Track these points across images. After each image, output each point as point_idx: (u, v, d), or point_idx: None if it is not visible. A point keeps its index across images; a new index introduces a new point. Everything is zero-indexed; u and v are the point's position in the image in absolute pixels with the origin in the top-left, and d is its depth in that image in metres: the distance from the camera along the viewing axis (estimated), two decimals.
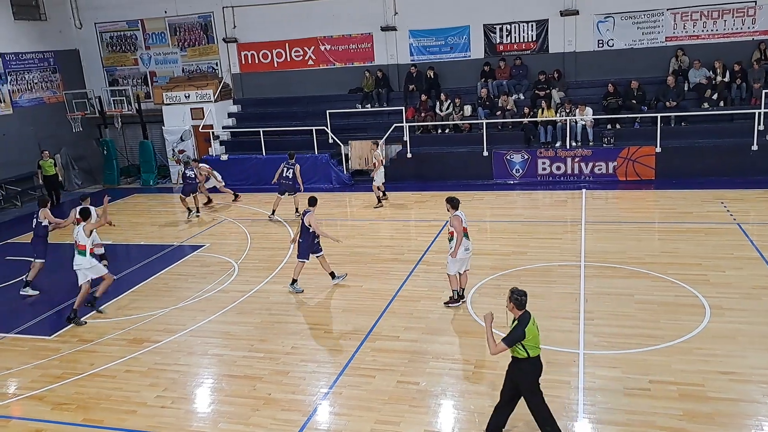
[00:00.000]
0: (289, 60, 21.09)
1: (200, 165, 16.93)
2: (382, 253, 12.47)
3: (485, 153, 17.61)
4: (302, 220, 10.69)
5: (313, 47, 20.76)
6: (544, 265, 11.13)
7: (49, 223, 11.79)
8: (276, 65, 21.23)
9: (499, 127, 18.24)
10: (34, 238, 11.86)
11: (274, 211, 15.40)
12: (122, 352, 8.98)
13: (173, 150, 20.84)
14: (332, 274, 10.89)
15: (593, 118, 17.22)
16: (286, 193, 15.35)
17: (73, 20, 22.30)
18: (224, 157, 19.64)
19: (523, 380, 6.07)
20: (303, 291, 10.73)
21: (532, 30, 18.97)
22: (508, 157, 17.56)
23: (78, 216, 10.50)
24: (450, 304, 9.63)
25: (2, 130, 19.43)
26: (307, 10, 20.31)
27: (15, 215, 18.12)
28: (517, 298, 6.06)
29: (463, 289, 9.72)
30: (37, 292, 11.67)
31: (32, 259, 11.90)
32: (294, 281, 10.79)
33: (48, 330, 10.00)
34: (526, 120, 17.81)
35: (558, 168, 17.24)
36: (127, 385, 8.07)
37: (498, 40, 19.31)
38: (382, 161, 16.12)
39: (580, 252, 11.66)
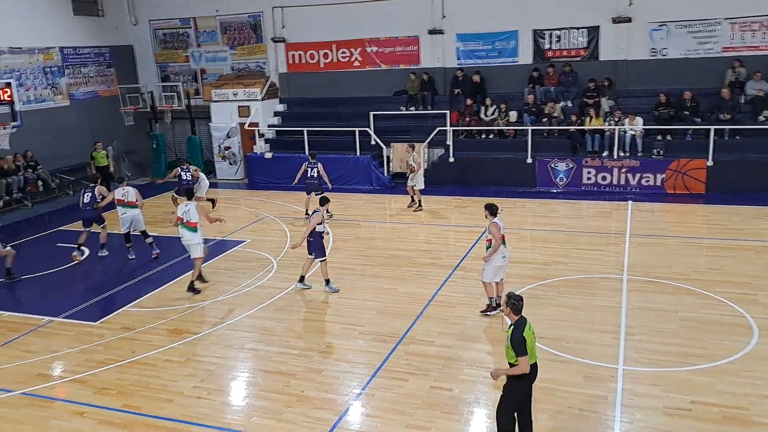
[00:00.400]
0: (335, 61, 21.25)
1: (192, 168, 16.78)
2: (420, 257, 12.44)
3: (529, 160, 17.40)
4: (310, 219, 10.72)
5: (359, 49, 20.88)
6: (585, 277, 10.93)
7: (103, 197, 13.14)
8: (322, 66, 21.42)
9: (544, 134, 17.99)
10: (91, 210, 13.10)
11: (307, 212, 15.48)
12: (162, 342, 9.19)
13: (219, 146, 21.24)
14: (327, 281, 10.89)
15: (643, 129, 16.81)
16: (313, 193, 15.29)
17: (128, 17, 22.95)
18: (268, 155, 19.91)
19: (512, 381, 6.01)
20: (339, 290, 10.79)
21: (582, 36, 18.66)
22: (553, 165, 17.31)
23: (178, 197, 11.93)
24: (487, 313, 9.53)
25: (59, 122, 20.13)
26: (355, 11, 20.44)
27: (67, 203, 18.73)
28: (514, 303, 6.01)
29: (500, 297, 9.62)
30: (107, 253, 13.38)
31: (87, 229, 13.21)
32: (327, 281, 10.87)
33: (93, 316, 10.30)
34: (573, 128, 17.52)
35: (604, 178, 16.90)
36: (166, 374, 8.26)
37: (547, 46, 19.06)
38: (420, 164, 16.04)
39: (623, 265, 11.40)
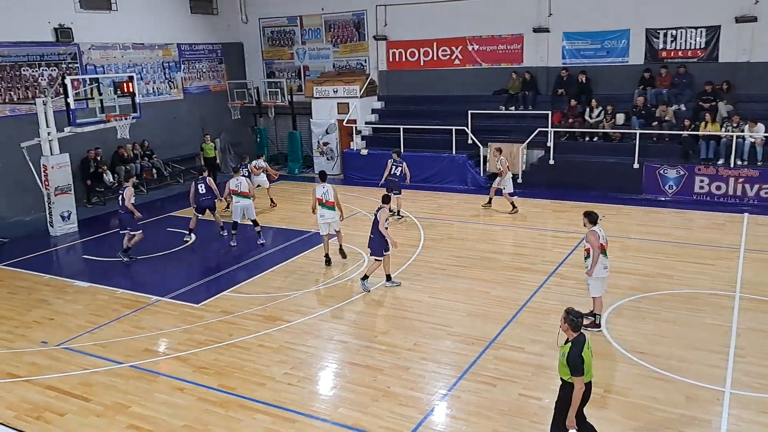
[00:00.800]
0: (435, 59, 21.20)
1: (253, 163, 17.13)
2: (514, 261, 12.18)
3: (636, 165, 16.58)
4: (375, 216, 10.74)
5: (460, 47, 20.71)
6: (692, 292, 10.27)
7: (209, 188, 14.07)
8: (422, 64, 21.44)
9: (654, 138, 17.08)
10: (205, 198, 14.11)
11: (399, 211, 15.46)
12: (257, 327, 9.55)
13: (318, 142, 21.79)
14: (365, 277, 10.88)
15: (765, 136, 15.58)
16: (394, 192, 15.07)
17: (240, 15, 24.01)
18: (364, 152, 20.19)
19: (567, 400, 5.72)
20: (400, 284, 10.90)
21: (700, 37, 17.54)
22: (662, 172, 16.40)
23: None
24: (589, 328, 8.85)
25: (173, 114, 21.44)
26: (458, 9, 20.29)
27: (177, 191, 19.89)
28: (573, 320, 5.71)
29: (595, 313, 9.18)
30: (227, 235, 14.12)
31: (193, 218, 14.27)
32: (388, 277, 10.93)
33: (196, 298, 10.87)
34: (685, 133, 16.51)
35: (718, 188, 15.81)
36: (260, 358, 8.57)
37: (661, 46, 18.07)
38: (507, 168, 15.68)
39: (735, 281, 10.61)
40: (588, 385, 5.75)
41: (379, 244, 10.71)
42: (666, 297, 10.11)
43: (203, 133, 21.05)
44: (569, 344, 5.73)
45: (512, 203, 15.65)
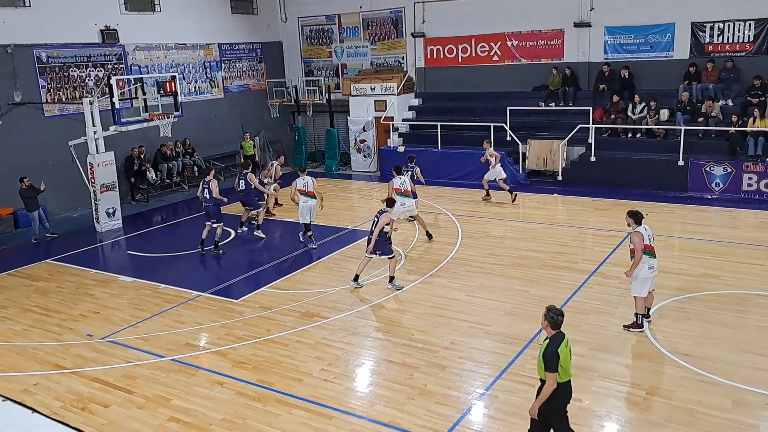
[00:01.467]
0: (473, 55, 21.02)
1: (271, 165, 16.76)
2: (553, 259, 11.98)
3: (681, 162, 16.14)
4: (377, 218, 10.72)
5: (499, 43, 20.49)
6: (740, 293, 9.94)
7: (250, 183, 14.19)
8: (460, 60, 21.28)
9: (699, 135, 16.59)
10: (247, 194, 14.37)
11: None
12: (295, 323, 9.64)
13: (355, 139, 21.86)
14: (391, 279, 10.85)
15: None
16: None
17: (279, 14, 24.25)
18: (401, 149, 20.14)
19: (548, 406, 5.60)
20: (402, 288, 10.81)
21: (749, 30, 16.94)
22: (708, 169, 15.92)
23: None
24: (630, 329, 8.78)
25: (214, 113, 21.79)
26: (497, 5, 20.07)
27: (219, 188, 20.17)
28: (553, 317, 5.64)
29: (648, 309, 8.98)
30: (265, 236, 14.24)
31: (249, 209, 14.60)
32: (391, 278, 10.88)
33: (236, 294, 11.05)
34: (733, 129, 15.99)
35: (767, 185, 15.27)
36: (297, 354, 8.65)
37: (707, 40, 17.53)
38: (498, 158, 16.18)
39: None
40: (565, 387, 5.64)
41: (383, 244, 10.77)
42: (712, 298, 9.80)
43: (243, 131, 21.34)
44: (548, 341, 5.66)
45: (510, 190, 15.93)
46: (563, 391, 5.68)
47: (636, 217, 8.62)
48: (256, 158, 21.24)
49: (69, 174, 16.39)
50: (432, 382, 7.74)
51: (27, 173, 15.14)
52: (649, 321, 8.93)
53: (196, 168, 20.46)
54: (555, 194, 16.93)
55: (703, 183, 15.99)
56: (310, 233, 13.35)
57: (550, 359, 5.52)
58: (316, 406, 7.34)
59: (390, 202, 11.12)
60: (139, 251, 14.05)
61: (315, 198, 13.21)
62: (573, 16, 19.03)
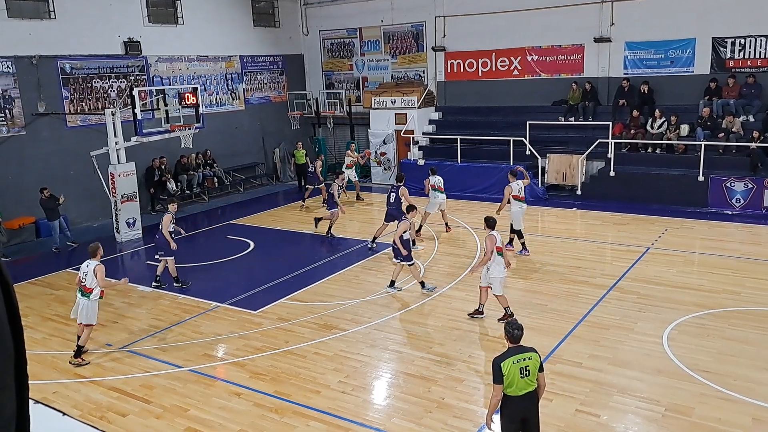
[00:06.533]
0: (494, 70, 21.08)
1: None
2: (572, 274, 11.91)
3: (701, 178, 16.00)
4: (398, 227, 11.16)
5: (519, 57, 20.53)
6: (761, 310, 9.80)
7: (401, 198, 13.42)
8: (480, 74, 21.35)
9: (720, 150, 16.44)
10: (396, 208, 13.48)
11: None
12: (313, 335, 9.67)
13: (375, 152, 21.95)
14: (422, 284, 11.19)
15: None
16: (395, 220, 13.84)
17: (301, 28, 24.53)
18: (421, 162, 20.20)
19: (501, 422, 5.74)
20: (401, 290, 11.15)
21: None
22: (729, 185, 15.76)
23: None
24: (504, 320, 9.19)
25: (235, 124, 22.05)
26: (518, 20, 20.12)
27: (237, 200, 20.42)
28: (509, 331, 5.73)
29: (482, 305, 9.84)
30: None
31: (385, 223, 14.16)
32: (392, 282, 11.21)
33: (254, 305, 11.11)
34: (754, 145, 15.82)
35: None
36: (314, 366, 8.67)
37: (728, 55, 17.42)
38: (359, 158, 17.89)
39: None
40: (512, 401, 5.60)
41: (401, 251, 11.03)
42: (732, 314, 9.68)
43: (296, 141, 21.72)
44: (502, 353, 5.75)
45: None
46: (508, 410, 5.66)
47: (488, 223, 9.71)
48: (308, 167, 21.03)
49: (90, 184, 16.62)
50: (450, 396, 7.73)
51: (49, 183, 15.43)
52: (483, 317, 9.83)
53: (216, 179, 20.68)
54: (574, 208, 16.84)
55: (724, 199, 15.82)
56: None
57: (494, 370, 5.60)
58: (333, 419, 7.35)
59: (410, 209, 11.39)
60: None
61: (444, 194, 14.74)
62: (593, 31, 19.02)
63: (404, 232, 10.95)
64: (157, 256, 12.26)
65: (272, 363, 8.83)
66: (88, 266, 9.11)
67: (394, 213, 13.34)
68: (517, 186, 12.95)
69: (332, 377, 8.33)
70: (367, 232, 15.58)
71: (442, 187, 14.87)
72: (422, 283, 11.18)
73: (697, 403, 7.29)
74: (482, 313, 9.92)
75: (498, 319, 9.65)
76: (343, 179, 16.68)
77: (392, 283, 11.36)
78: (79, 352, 9.11)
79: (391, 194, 13.71)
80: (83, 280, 9.08)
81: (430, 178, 14.81)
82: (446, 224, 15.10)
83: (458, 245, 14.22)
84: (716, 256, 12.60)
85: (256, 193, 21.53)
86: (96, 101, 17.94)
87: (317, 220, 15.66)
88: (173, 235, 11.93)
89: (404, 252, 11.01)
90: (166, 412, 7.69)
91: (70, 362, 9.06)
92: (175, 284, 12.02)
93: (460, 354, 8.84)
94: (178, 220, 12.76)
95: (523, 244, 13.11)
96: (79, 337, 9.18)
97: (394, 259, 11.41)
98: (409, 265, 11.09)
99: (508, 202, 12.82)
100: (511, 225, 13.03)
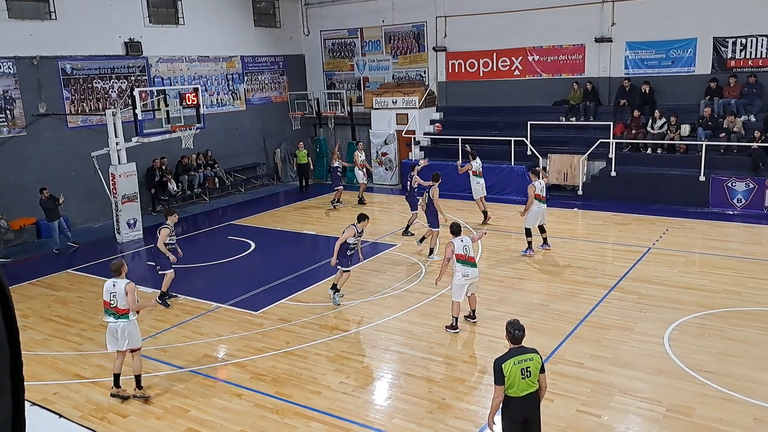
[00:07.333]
0: (495, 70, 21.06)
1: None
2: (573, 274, 11.91)
3: (702, 178, 15.98)
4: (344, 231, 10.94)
5: (520, 57, 20.52)
6: (763, 310, 9.79)
7: (420, 185, 14.50)
8: (481, 74, 21.33)
9: (721, 150, 16.42)
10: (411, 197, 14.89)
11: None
12: (314, 336, 9.67)
13: (377, 152, 21.94)
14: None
15: None
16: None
17: (302, 28, 24.52)
18: (422, 162, 20.15)
19: (503, 423, 5.72)
20: (339, 304, 10.84)
21: None
22: (730, 185, 15.74)
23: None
24: (448, 329, 9.50)
25: (236, 125, 22.05)
26: (519, 20, 20.11)
27: (238, 201, 20.42)
28: (510, 332, 5.71)
29: (473, 311, 9.76)
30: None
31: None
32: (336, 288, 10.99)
33: (255, 306, 11.10)
34: (755, 144, 15.80)
35: None
36: (315, 367, 8.67)
37: (729, 55, 17.39)
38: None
39: None
40: (513, 402, 5.61)
41: (343, 256, 10.79)
42: (734, 314, 9.67)
43: (297, 141, 21.75)
44: (503, 354, 5.74)
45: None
46: (510, 411, 5.66)
47: (451, 229, 9.73)
48: (311, 167, 21.33)
49: (91, 184, 16.62)
50: (451, 396, 7.72)
51: (50, 183, 15.43)
52: (474, 322, 9.69)
53: (217, 180, 20.68)
54: (575, 209, 16.84)
55: (725, 198, 15.81)
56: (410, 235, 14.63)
57: (494, 371, 5.61)
58: (334, 419, 7.35)
59: (361, 217, 11.06)
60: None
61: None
62: (594, 31, 19.01)
63: (350, 237, 10.66)
64: (157, 269, 11.42)
65: (273, 364, 8.83)
66: (115, 286, 7.99)
67: (427, 215, 13.55)
68: (539, 185, 12.98)
69: (333, 378, 8.33)
70: (367, 232, 15.54)
71: (481, 172, 15.64)
72: (336, 289, 10.84)
73: (698, 403, 7.28)
74: (456, 328, 9.51)
75: (446, 327, 9.55)
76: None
77: (335, 289, 11.00)
78: (139, 381, 8.13)
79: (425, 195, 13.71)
80: (112, 302, 8.01)
81: (471, 162, 15.53)
82: (484, 212, 15.69)
83: None
84: (717, 256, 12.59)
85: (257, 193, 21.54)
86: (97, 102, 17.94)
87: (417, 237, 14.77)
88: (169, 247, 11.05)
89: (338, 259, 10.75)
90: (167, 413, 7.68)
91: (134, 395, 8.10)
92: (158, 298, 10.70)
93: (461, 355, 8.83)
94: (180, 222, 12.63)
95: (529, 243, 13.09)
96: (115, 374, 8.17)
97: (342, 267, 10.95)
98: (344, 271, 10.83)
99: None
100: (542, 226, 13.06)
